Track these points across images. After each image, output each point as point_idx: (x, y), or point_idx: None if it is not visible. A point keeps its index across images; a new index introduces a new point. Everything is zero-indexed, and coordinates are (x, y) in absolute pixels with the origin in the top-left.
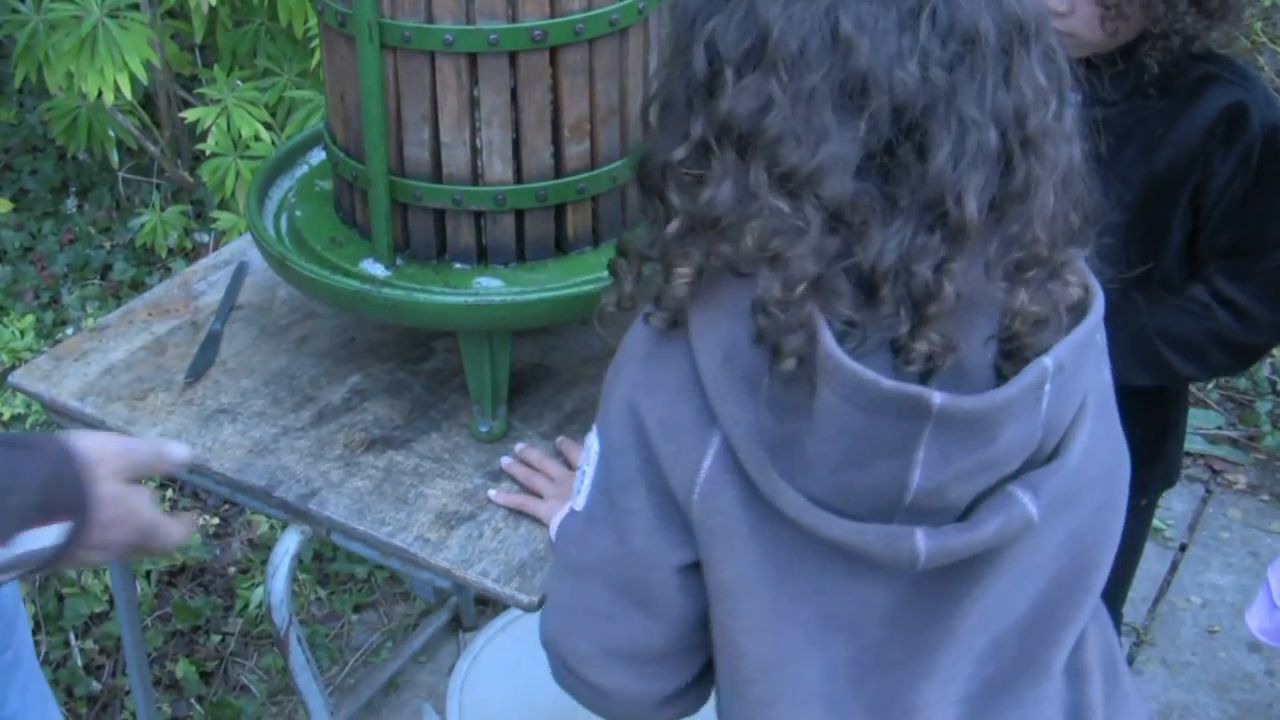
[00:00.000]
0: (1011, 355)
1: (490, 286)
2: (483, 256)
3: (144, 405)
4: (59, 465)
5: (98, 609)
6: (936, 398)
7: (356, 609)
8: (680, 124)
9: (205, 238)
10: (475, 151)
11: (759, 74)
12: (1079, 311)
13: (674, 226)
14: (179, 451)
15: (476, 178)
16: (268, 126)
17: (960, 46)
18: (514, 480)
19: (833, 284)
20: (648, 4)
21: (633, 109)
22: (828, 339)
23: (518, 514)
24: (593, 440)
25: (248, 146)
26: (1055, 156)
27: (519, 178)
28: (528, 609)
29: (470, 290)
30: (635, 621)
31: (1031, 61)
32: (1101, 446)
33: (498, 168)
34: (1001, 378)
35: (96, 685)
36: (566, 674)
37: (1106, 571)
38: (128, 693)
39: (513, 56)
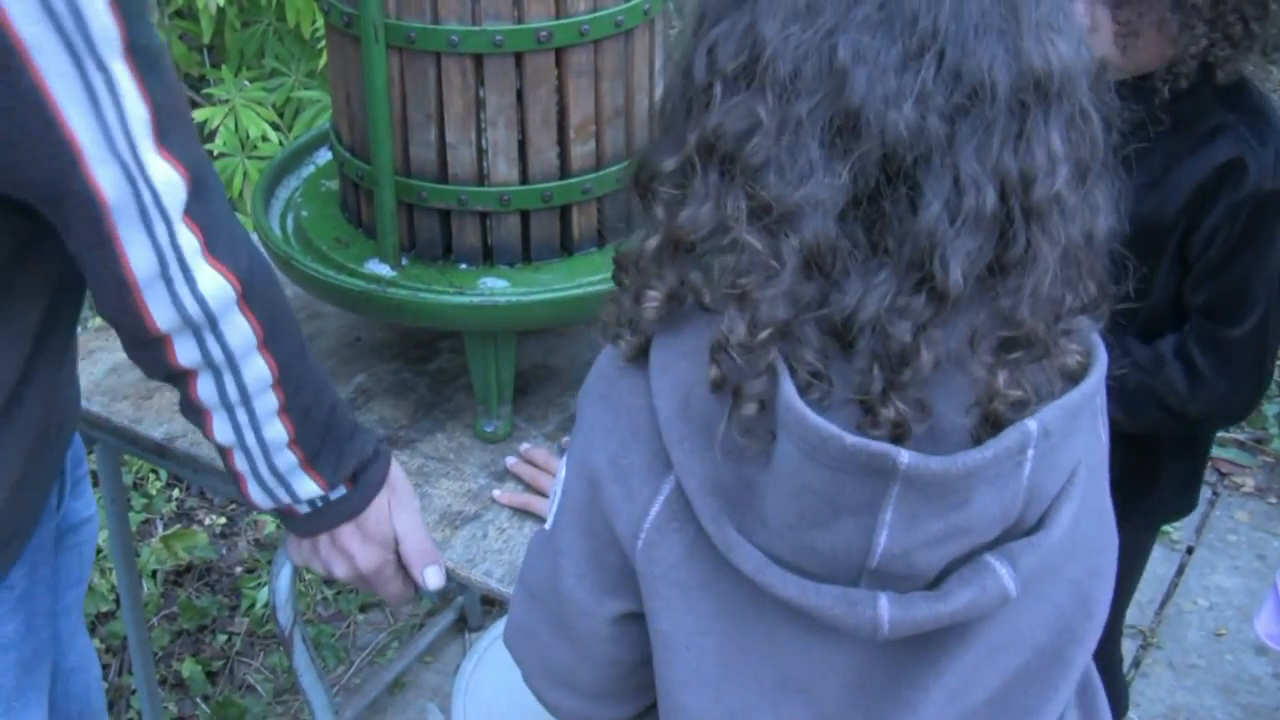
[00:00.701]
0: (993, 424)
1: (495, 287)
2: (488, 257)
3: (150, 404)
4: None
5: (104, 608)
6: (904, 456)
7: (362, 609)
8: (678, 132)
9: None
10: (480, 152)
11: (749, 93)
12: (1075, 376)
13: (653, 242)
14: (435, 578)
15: (482, 178)
16: (275, 127)
17: (965, 97)
18: (518, 480)
19: (801, 332)
20: (653, 5)
21: (638, 110)
22: (789, 389)
23: (521, 514)
24: (561, 463)
25: (255, 147)
26: (1064, 230)
27: (524, 178)
28: None
29: (475, 291)
30: (568, 656)
31: (1049, 123)
32: (1090, 516)
33: (503, 168)
34: (979, 441)
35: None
36: (524, 680)
37: (1090, 649)
38: (133, 692)
39: (518, 57)
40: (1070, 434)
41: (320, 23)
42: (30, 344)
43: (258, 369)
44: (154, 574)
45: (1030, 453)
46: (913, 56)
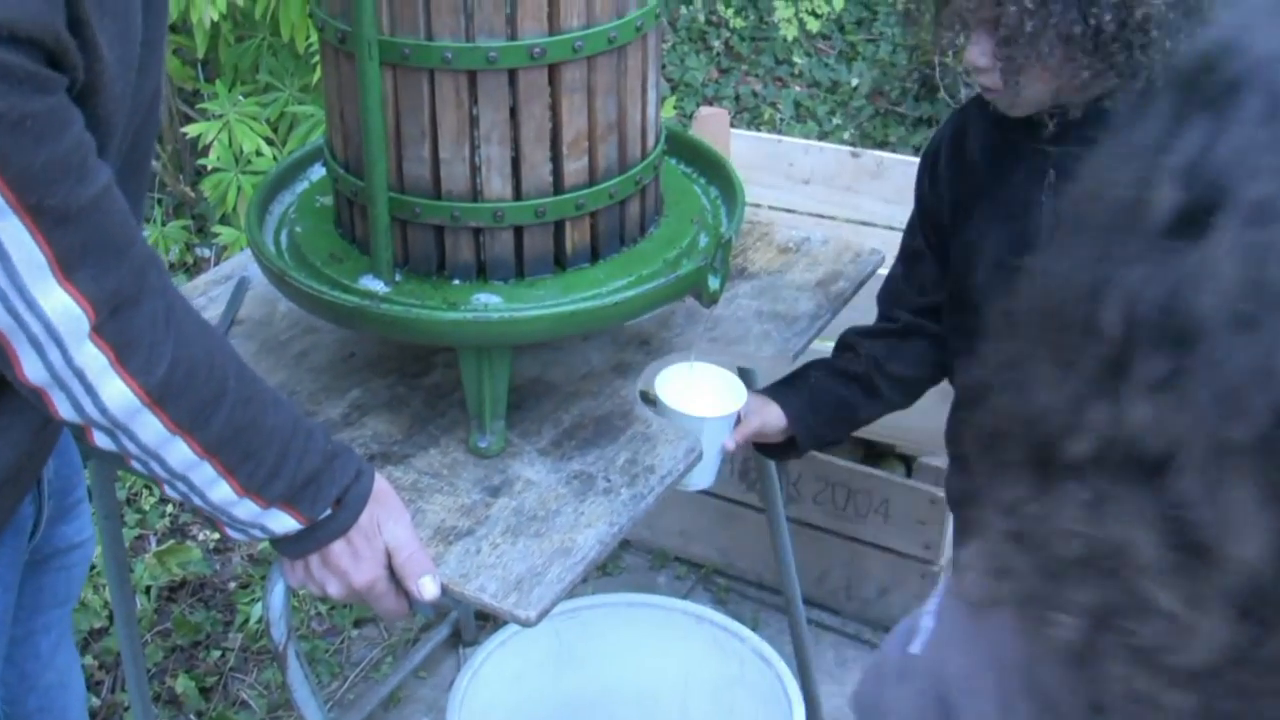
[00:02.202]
0: None
1: (489, 303)
2: (482, 272)
3: None
4: (362, 481)
5: (97, 624)
6: None
7: (357, 624)
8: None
9: (207, 252)
10: (474, 168)
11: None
12: None
13: (1068, 547)
14: (430, 589)
15: (475, 194)
16: (269, 141)
17: None
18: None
19: None
20: (645, 21)
21: (631, 125)
22: None
23: (515, 530)
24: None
25: (249, 161)
26: None
27: (518, 194)
28: (524, 624)
29: (469, 306)
30: None
31: None
32: None
33: (496, 184)
34: None
35: (96, 700)
36: None
37: None
38: (127, 708)
39: (512, 73)
40: None
41: (314, 38)
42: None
43: (180, 452)
44: (148, 590)
45: None
46: None
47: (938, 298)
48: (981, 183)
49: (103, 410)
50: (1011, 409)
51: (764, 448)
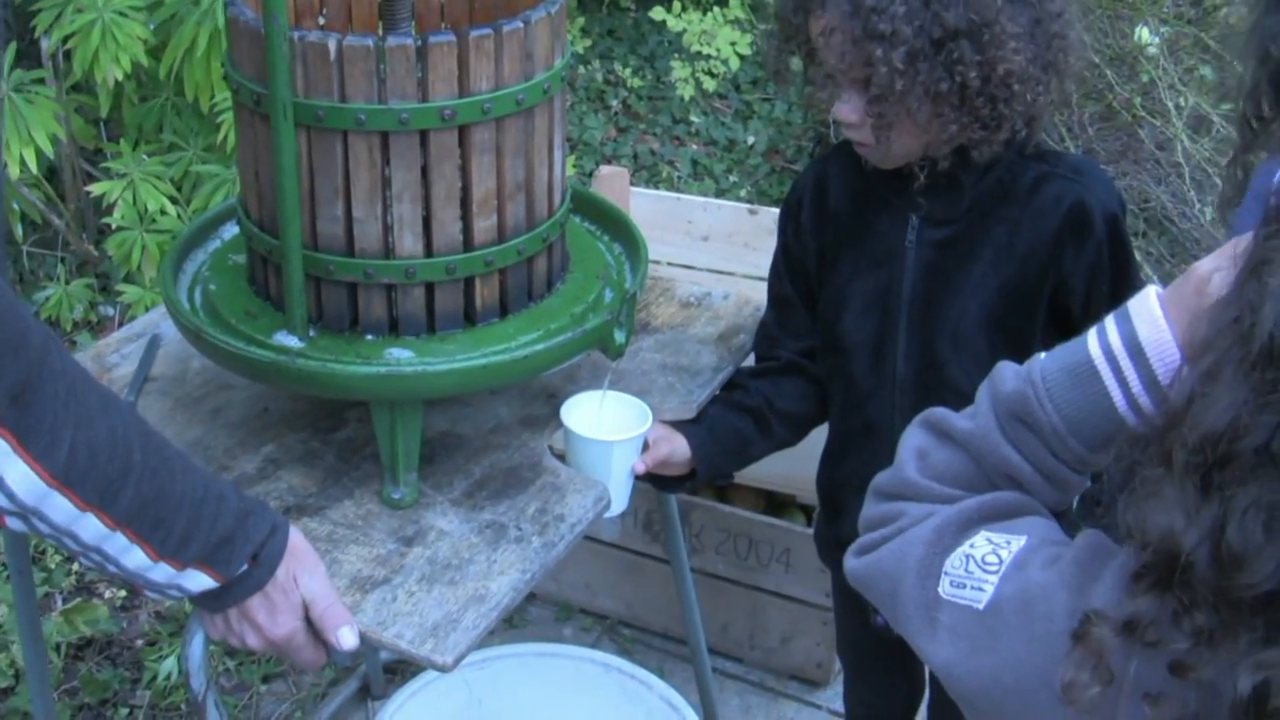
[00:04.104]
0: None
1: (401, 357)
2: (394, 328)
3: None
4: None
5: (3, 684)
6: None
7: (265, 679)
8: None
9: (111, 311)
10: (386, 226)
11: None
12: None
13: (1201, 618)
14: (349, 639)
15: (388, 252)
16: (174, 201)
17: None
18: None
19: None
20: (552, 84)
21: (538, 184)
22: None
23: (430, 579)
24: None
25: (154, 220)
26: None
27: (429, 251)
28: (441, 669)
29: (382, 361)
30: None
31: None
32: None
33: (408, 242)
34: None
35: None
36: None
37: None
38: None
39: (423, 135)
40: None
41: (219, 97)
42: None
43: (92, 527)
44: (57, 647)
45: None
46: None
47: (812, 340)
48: (846, 231)
49: (10, 496)
50: None
51: (658, 479)
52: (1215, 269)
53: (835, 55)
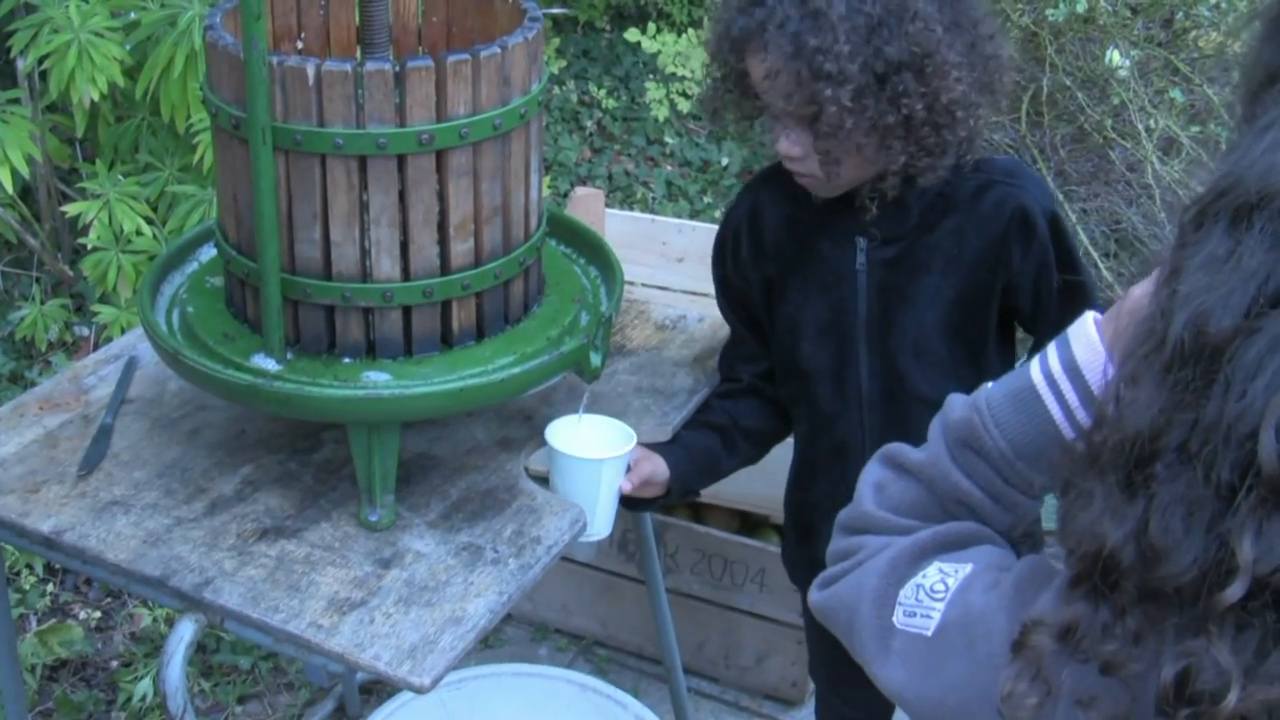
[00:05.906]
0: None
1: (378, 380)
2: (371, 351)
3: (37, 498)
4: None
5: None
6: None
7: (240, 700)
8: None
9: (86, 331)
10: (364, 250)
11: None
12: None
13: (1133, 621)
14: None
15: (365, 275)
16: (150, 221)
17: None
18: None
19: None
20: (529, 109)
21: (515, 208)
22: None
23: (407, 600)
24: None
25: (129, 241)
26: None
27: (406, 275)
28: (419, 691)
29: (359, 384)
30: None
31: None
32: None
33: (386, 265)
34: None
35: None
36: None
37: None
38: None
39: (401, 159)
40: None
41: (195, 118)
42: None
43: None
44: (32, 669)
45: None
46: None
47: (767, 364)
48: (790, 260)
49: None
50: None
51: (630, 499)
52: (1146, 293)
53: (781, 96)
